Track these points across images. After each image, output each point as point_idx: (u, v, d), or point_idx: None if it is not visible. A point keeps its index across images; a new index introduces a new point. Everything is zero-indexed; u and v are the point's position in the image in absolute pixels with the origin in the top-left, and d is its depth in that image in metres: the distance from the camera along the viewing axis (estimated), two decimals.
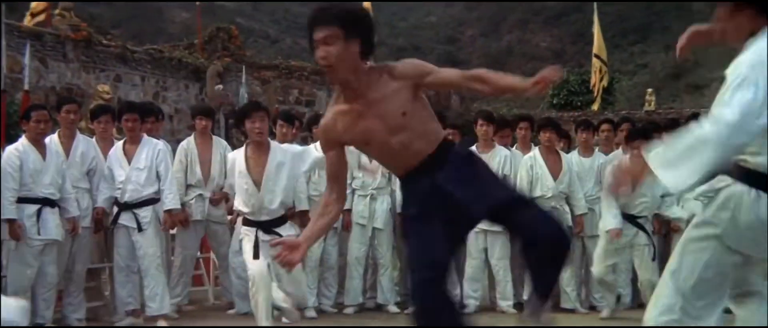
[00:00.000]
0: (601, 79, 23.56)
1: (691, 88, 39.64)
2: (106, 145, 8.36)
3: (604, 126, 9.59)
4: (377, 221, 8.84)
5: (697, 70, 40.78)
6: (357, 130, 3.85)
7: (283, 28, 57.40)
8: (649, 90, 24.09)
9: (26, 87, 10.70)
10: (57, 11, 16.02)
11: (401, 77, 3.80)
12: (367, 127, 3.81)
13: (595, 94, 23.48)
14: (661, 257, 8.94)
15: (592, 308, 8.90)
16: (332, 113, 3.90)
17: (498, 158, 8.87)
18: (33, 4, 15.84)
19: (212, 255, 9.44)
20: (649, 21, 53.96)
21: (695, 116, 9.41)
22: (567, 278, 8.73)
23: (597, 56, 23.66)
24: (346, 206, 8.70)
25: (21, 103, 10.66)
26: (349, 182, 8.75)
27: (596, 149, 9.34)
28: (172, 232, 8.72)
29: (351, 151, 4.20)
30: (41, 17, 15.54)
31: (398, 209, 8.82)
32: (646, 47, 50.36)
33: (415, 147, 3.84)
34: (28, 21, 15.50)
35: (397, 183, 8.77)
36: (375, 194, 8.82)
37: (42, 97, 13.89)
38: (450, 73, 3.88)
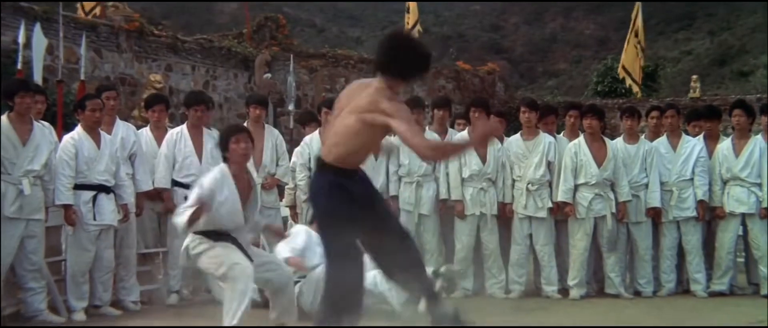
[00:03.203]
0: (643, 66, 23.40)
1: (736, 75, 39.18)
2: (160, 134, 8.59)
3: (653, 113, 9.62)
4: (423, 207, 8.94)
5: (742, 56, 40.35)
6: None
7: (329, 18, 57.73)
8: (694, 76, 23.87)
9: (82, 77, 10.92)
10: (111, 3, 16.37)
11: None
12: None
13: (638, 79, 23.30)
14: (705, 243, 9.03)
15: (637, 294, 8.95)
16: None
17: (542, 145, 8.91)
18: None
19: (263, 240, 9.60)
20: (694, 8, 53.45)
21: (740, 103, 9.45)
22: (611, 264, 8.82)
23: (639, 43, 23.51)
24: (393, 193, 8.87)
25: (77, 92, 10.90)
26: (395, 169, 8.91)
27: (641, 136, 9.36)
28: None
29: None
30: (97, 11, 15.90)
31: (442, 196, 8.97)
32: (690, 34, 49.90)
33: None
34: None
35: (441, 170, 8.94)
36: (421, 181, 8.92)
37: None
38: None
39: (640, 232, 8.99)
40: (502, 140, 9.10)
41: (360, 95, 4.94)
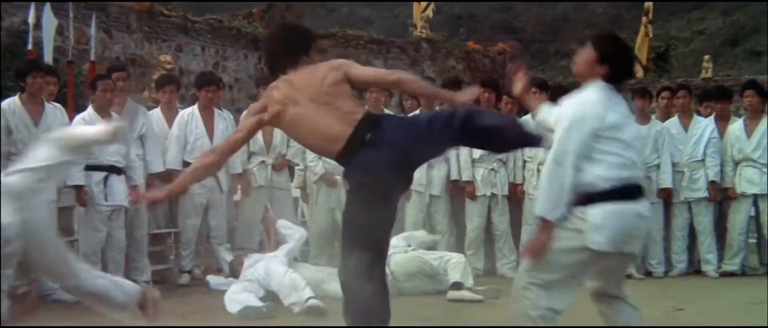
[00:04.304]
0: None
1: (748, 55, 38.87)
2: (171, 115, 8.60)
3: (664, 94, 9.61)
4: (434, 188, 8.96)
5: (755, 36, 40.04)
6: None
7: None
8: (706, 57, 23.72)
9: (92, 58, 10.92)
10: None
11: None
12: None
13: (645, 61, 23.15)
14: (716, 224, 9.02)
15: (648, 274, 8.95)
16: None
17: None
18: None
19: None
20: None
21: (752, 83, 9.42)
22: None
23: (651, 23, 23.38)
24: None
25: (88, 73, 10.91)
26: None
27: (653, 117, 9.34)
28: (236, 198, 8.91)
29: None
30: None
31: (453, 176, 8.97)
32: (703, 13, 49.46)
33: None
34: None
35: (453, 151, 8.94)
36: (432, 162, 8.91)
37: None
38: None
39: (651, 213, 8.97)
40: None
41: None
